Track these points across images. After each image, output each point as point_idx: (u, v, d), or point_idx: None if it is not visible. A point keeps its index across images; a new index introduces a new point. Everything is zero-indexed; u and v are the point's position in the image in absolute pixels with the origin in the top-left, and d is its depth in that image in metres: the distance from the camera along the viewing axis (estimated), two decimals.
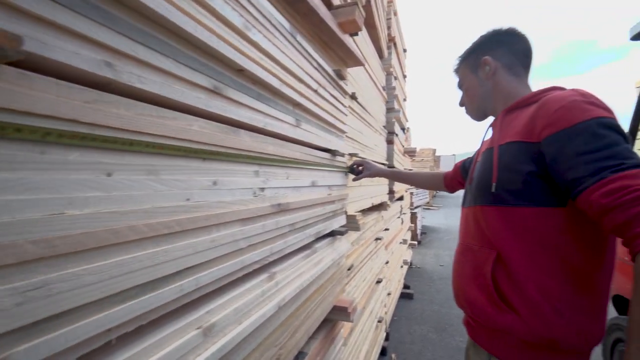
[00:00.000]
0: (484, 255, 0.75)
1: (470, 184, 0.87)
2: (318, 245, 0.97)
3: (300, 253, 0.85)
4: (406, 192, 3.94)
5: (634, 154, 0.57)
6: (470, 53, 0.90)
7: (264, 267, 0.67)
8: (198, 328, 0.46)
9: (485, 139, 0.91)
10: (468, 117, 0.98)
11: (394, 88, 2.60)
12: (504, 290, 0.71)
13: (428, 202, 10.46)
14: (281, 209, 0.71)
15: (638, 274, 0.52)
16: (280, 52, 0.70)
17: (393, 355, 2.36)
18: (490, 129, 0.90)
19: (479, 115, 0.93)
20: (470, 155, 1.09)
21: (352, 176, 1.37)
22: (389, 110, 2.54)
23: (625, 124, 1.85)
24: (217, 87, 0.51)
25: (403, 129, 3.49)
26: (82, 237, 0.30)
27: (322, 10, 0.90)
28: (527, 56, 0.85)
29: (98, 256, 0.32)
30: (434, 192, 14.04)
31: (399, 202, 3.45)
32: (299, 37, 0.80)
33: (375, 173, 1.33)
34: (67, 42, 0.29)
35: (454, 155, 21.90)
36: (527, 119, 0.70)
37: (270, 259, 0.68)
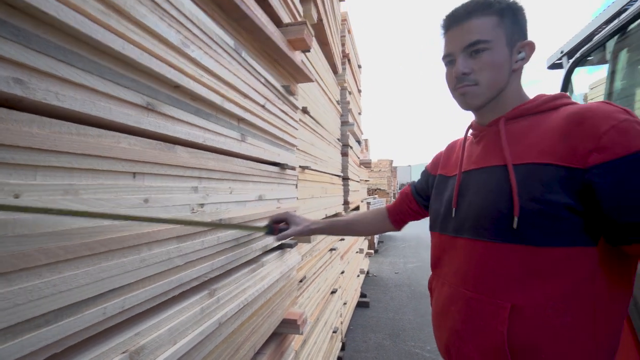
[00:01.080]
0: (491, 308, 0.59)
1: (455, 208, 0.69)
2: (265, 259, 0.97)
3: (246, 268, 0.84)
4: (362, 202, 4.05)
5: None
6: (509, 13, 0.63)
7: (204, 283, 0.66)
8: (124, 352, 0.44)
9: (465, 150, 0.73)
10: (455, 100, 0.69)
11: (349, 102, 2.70)
12: (520, 352, 0.56)
13: None
14: (222, 221, 0.70)
15: None
16: (223, 68, 0.71)
17: None
18: (474, 137, 0.72)
19: (482, 99, 0.65)
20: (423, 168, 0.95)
21: (302, 188, 1.40)
22: (344, 123, 2.63)
23: None
24: (151, 104, 0.50)
25: (358, 141, 3.62)
26: None
27: (269, 28, 0.92)
28: None
29: (4, 282, 0.30)
30: (390, 201, 14.50)
31: (355, 213, 3.54)
32: (244, 54, 0.81)
33: (305, 230, 0.94)
34: None
35: (409, 166, 22.96)
36: (557, 135, 0.56)
37: (211, 275, 0.67)
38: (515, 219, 0.56)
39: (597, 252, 0.54)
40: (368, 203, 5.74)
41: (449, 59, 0.68)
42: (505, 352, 0.56)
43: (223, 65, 0.71)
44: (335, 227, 1.00)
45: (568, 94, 1.72)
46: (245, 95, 0.82)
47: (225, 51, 0.73)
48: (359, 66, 3.69)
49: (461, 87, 0.66)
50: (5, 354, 0.30)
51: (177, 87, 0.56)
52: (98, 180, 0.41)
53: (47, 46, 0.35)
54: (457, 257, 0.67)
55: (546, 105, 0.62)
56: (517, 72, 0.66)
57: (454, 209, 0.69)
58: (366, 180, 4.84)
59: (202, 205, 0.64)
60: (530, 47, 0.64)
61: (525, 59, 0.65)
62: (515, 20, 0.63)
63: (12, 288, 0.31)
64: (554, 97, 0.63)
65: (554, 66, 1.96)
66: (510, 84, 0.65)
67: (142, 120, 0.49)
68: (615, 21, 1.31)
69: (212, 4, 0.72)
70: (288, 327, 1.11)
